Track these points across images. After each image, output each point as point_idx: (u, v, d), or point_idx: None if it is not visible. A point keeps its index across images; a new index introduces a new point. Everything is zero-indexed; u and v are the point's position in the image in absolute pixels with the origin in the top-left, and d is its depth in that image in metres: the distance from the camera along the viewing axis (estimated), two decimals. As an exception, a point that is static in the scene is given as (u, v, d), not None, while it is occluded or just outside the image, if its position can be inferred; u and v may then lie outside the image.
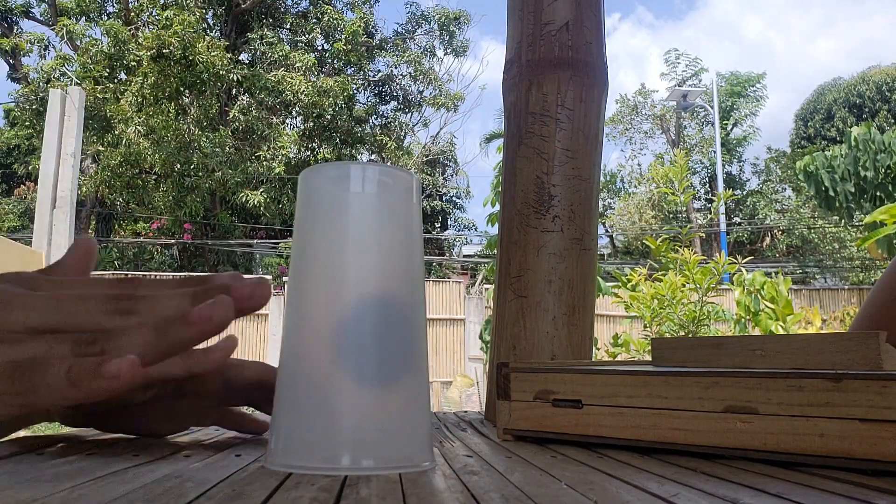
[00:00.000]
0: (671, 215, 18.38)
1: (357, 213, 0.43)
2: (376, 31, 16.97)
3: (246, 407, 0.57)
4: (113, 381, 0.33)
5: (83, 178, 12.00)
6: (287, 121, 15.19)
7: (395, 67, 16.92)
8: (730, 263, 4.60)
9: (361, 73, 16.50)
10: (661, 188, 5.79)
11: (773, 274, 5.29)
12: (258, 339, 9.97)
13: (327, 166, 0.45)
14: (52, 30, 14.30)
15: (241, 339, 9.93)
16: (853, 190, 9.43)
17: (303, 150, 15.09)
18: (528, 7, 0.86)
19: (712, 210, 18.03)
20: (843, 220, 10.41)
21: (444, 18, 17.38)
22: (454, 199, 20.10)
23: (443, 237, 19.31)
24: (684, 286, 4.49)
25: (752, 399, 0.43)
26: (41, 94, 13.00)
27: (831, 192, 9.53)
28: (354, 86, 15.82)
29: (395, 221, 0.43)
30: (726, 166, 19.67)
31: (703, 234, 16.89)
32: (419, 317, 0.43)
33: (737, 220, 19.26)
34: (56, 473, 0.39)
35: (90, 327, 0.36)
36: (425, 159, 17.99)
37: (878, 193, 9.25)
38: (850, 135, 9.66)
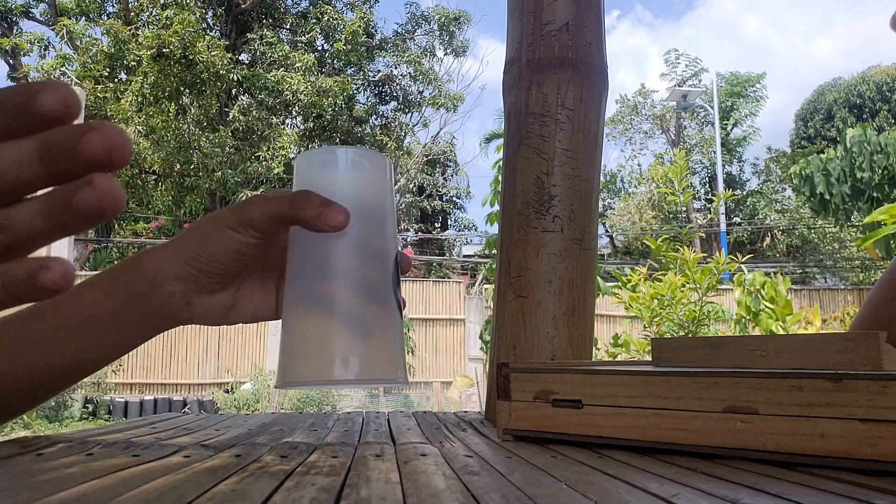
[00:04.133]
0: (671, 215, 18.38)
1: (342, 186, 0.54)
2: (376, 31, 16.96)
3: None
4: (52, 294, 0.26)
5: (83, 178, 11.95)
6: (287, 121, 15.18)
7: (395, 67, 16.92)
8: (729, 262, 4.60)
9: (361, 73, 16.50)
10: (661, 188, 5.79)
11: (773, 274, 5.29)
12: (258, 339, 9.97)
13: (319, 151, 0.55)
14: (52, 30, 14.30)
15: (241, 337, 9.92)
16: (850, 192, 9.44)
17: (302, 150, 15.09)
18: (528, 7, 0.86)
19: (712, 210, 18.03)
20: (838, 223, 10.41)
21: (443, 18, 17.38)
22: (454, 199, 20.10)
23: (443, 237, 19.31)
24: (684, 286, 4.49)
25: (752, 399, 0.43)
26: (41, 94, 12.95)
27: (826, 196, 9.54)
28: (354, 86, 15.81)
29: (372, 191, 0.55)
30: (726, 166, 19.67)
31: (703, 234, 16.89)
32: (391, 264, 0.54)
33: (737, 220, 19.26)
34: (56, 473, 0.39)
35: None
36: (425, 159, 17.98)
37: (875, 194, 9.25)
38: (845, 137, 9.68)
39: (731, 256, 4.82)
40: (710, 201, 19.03)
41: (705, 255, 5.04)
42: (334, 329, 0.51)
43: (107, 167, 0.25)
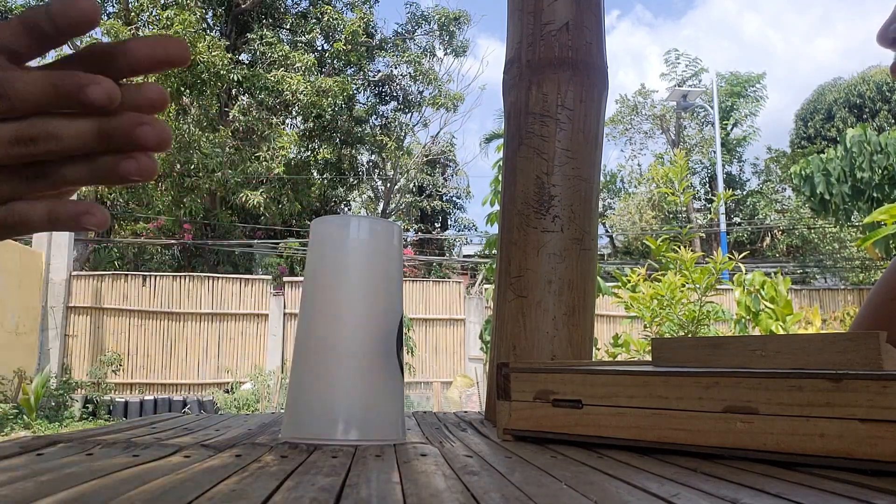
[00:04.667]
0: (671, 215, 18.37)
1: (354, 253, 0.58)
2: (376, 31, 16.95)
3: None
4: (89, 231, 0.34)
5: (83, 178, 11.96)
6: (287, 121, 15.18)
7: (395, 67, 16.90)
8: (727, 261, 4.60)
9: (361, 73, 16.49)
10: (660, 188, 5.80)
11: (773, 274, 5.29)
12: (258, 339, 9.97)
13: (334, 218, 0.60)
14: (52, 30, 14.27)
15: (241, 339, 9.92)
16: (850, 192, 9.43)
17: (303, 150, 15.08)
18: (528, 7, 0.86)
19: (712, 210, 18.02)
20: (838, 223, 10.40)
21: (443, 18, 17.36)
22: (454, 199, 20.09)
23: (443, 237, 19.30)
24: (684, 286, 4.49)
25: (752, 399, 0.43)
26: (41, 94, 12.94)
27: (826, 196, 9.53)
28: (354, 86, 15.80)
29: (381, 258, 0.59)
30: (726, 166, 19.65)
31: (703, 235, 16.88)
32: (395, 328, 0.58)
33: (737, 220, 19.25)
34: (56, 473, 0.39)
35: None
36: (425, 159, 17.98)
37: (875, 195, 9.24)
38: (845, 137, 9.67)
39: (728, 255, 4.82)
40: (711, 201, 19.03)
41: (703, 254, 5.04)
42: (338, 398, 0.56)
43: (153, 150, 0.33)
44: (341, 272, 0.58)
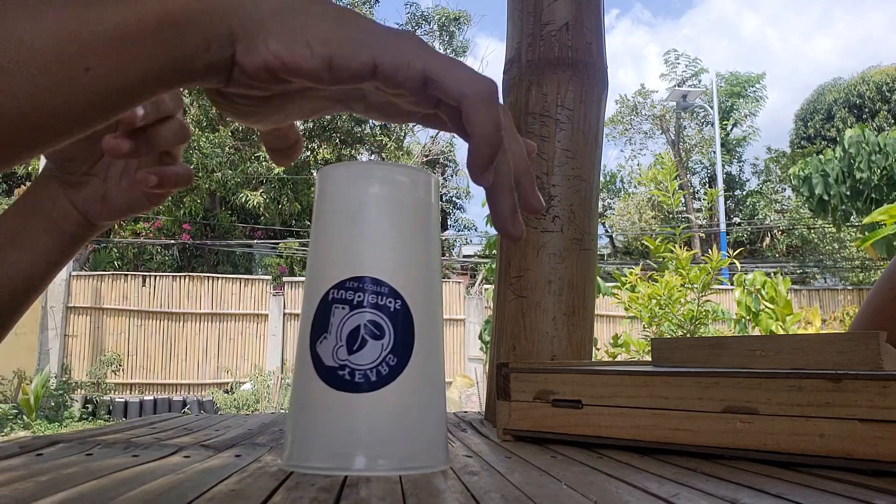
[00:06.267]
0: (670, 215, 18.38)
1: (374, 212, 0.42)
2: (376, 31, 16.93)
3: None
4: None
5: (83, 178, 11.96)
6: (287, 121, 15.16)
7: (395, 67, 16.89)
8: (722, 259, 4.60)
9: (361, 73, 16.47)
10: (652, 191, 5.81)
11: (773, 274, 5.29)
12: (258, 339, 9.96)
13: (347, 165, 0.45)
14: (52, 30, 14.28)
15: (241, 339, 9.92)
16: (848, 192, 9.43)
17: (302, 150, 15.09)
18: (528, 7, 0.86)
19: (703, 208, 18.05)
20: (835, 223, 10.39)
21: (443, 19, 17.37)
22: (454, 199, 20.08)
23: (443, 237, 19.31)
24: (682, 286, 4.49)
25: (752, 399, 0.43)
26: (41, 94, 12.94)
27: (824, 196, 9.54)
28: (354, 86, 15.79)
29: (411, 222, 0.43)
30: (726, 166, 19.66)
31: (703, 235, 16.89)
32: (435, 314, 0.43)
33: (737, 220, 19.25)
34: (56, 473, 0.39)
35: None
36: (425, 159, 17.98)
37: (874, 195, 9.24)
38: (843, 137, 9.68)
39: (725, 252, 4.82)
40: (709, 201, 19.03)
41: (698, 251, 5.06)
42: (360, 414, 0.40)
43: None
44: (357, 241, 0.42)
